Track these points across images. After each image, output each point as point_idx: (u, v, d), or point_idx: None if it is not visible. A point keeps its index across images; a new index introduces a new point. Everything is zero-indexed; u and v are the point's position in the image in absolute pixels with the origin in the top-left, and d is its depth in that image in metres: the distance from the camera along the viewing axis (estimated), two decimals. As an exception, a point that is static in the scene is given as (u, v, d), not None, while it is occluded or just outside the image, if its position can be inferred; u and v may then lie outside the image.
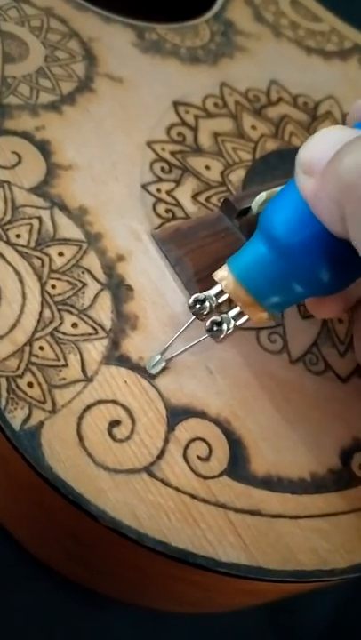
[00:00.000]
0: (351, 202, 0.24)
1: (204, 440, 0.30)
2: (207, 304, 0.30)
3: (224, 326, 0.29)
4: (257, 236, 0.29)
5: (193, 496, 0.29)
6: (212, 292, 0.30)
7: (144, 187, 0.37)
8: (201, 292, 0.33)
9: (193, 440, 0.30)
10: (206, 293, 0.30)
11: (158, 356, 0.31)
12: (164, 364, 0.31)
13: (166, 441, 0.30)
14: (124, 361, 0.31)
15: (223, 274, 0.29)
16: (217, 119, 0.41)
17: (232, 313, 0.30)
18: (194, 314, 0.31)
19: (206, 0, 0.48)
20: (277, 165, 0.41)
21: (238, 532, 0.29)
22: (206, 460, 0.30)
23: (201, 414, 0.31)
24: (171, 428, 0.30)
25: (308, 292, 0.28)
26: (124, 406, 0.30)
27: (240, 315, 0.30)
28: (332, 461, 0.32)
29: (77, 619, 0.41)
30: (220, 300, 0.30)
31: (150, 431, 0.30)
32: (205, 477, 0.30)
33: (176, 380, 0.31)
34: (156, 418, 0.30)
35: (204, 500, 0.29)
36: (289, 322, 0.35)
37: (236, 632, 0.44)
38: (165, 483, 0.29)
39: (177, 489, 0.29)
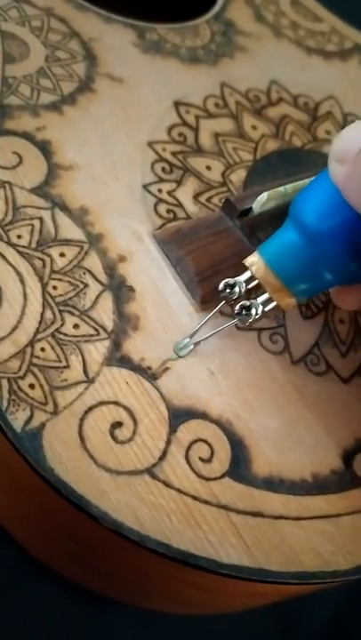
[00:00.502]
0: None
1: (205, 441, 0.30)
2: (237, 289, 0.31)
3: (253, 310, 0.30)
4: (288, 223, 0.29)
5: (195, 497, 0.29)
6: (242, 277, 0.31)
7: (145, 187, 0.37)
8: (202, 292, 0.34)
9: (195, 441, 0.30)
10: (237, 279, 0.31)
11: (187, 339, 0.32)
12: (192, 347, 0.32)
13: (168, 442, 0.30)
14: (125, 362, 0.31)
15: (254, 259, 0.30)
16: (218, 119, 0.41)
17: (261, 299, 0.30)
18: (223, 298, 0.31)
19: (207, 0, 0.48)
20: (278, 165, 0.41)
21: (240, 533, 0.29)
22: (208, 461, 0.30)
23: (203, 415, 0.31)
24: (173, 429, 0.30)
25: (336, 280, 0.29)
26: (125, 407, 0.30)
27: (269, 301, 0.30)
28: (334, 462, 0.32)
29: (78, 620, 0.41)
30: (250, 286, 0.31)
31: (152, 432, 0.30)
32: (207, 479, 0.30)
33: (178, 381, 0.31)
34: (158, 419, 0.30)
35: (205, 502, 0.29)
36: (290, 322, 0.35)
37: (238, 634, 0.44)
38: (167, 484, 0.29)
39: (179, 490, 0.29)
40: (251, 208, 0.35)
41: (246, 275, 0.31)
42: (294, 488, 0.31)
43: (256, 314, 0.30)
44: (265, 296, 0.30)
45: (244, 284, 0.31)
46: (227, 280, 0.31)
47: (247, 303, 0.30)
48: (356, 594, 0.47)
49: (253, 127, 0.42)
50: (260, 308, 0.30)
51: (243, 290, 0.31)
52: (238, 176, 0.39)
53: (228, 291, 0.31)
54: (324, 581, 0.29)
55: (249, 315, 0.30)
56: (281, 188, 0.36)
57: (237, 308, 0.30)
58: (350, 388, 0.34)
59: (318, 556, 0.29)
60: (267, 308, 0.30)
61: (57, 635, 0.40)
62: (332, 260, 0.28)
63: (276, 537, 0.29)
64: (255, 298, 0.30)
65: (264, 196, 0.35)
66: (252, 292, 0.31)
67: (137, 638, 0.41)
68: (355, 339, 0.36)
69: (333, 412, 0.33)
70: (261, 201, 0.35)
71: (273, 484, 0.30)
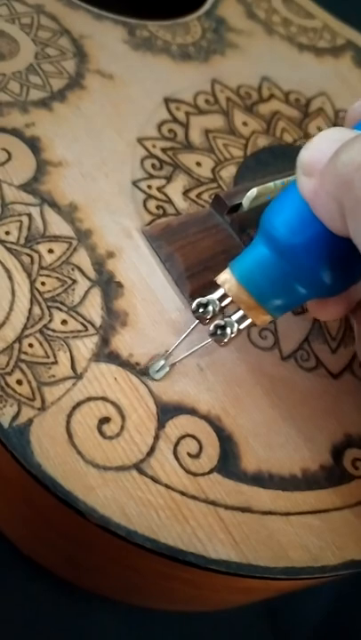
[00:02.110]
0: (349, 198, 0.24)
1: (194, 437, 0.30)
2: (210, 308, 0.30)
3: (228, 330, 0.29)
4: (258, 238, 0.29)
5: (183, 493, 0.29)
6: (215, 295, 0.30)
7: (135, 183, 0.37)
8: (192, 288, 0.33)
9: (183, 437, 0.30)
10: (209, 297, 0.30)
11: (162, 362, 0.31)
12: (167, 369, 0.31)
13: (156, 438, 0.30)
14: (113, 358, 0.31)
15: (226, 277, 0.29)
16: (208, 116, 0.41)
17: (235, 317, 0.29)
18: (197, 318, 0.30)
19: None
20: (269, 162, 0.41)
21: (228, 529, 0.29)
22: (197, 456, 0.30)
23: (191, 411, 0.31)
24: (161, 424, 0.30)
25: (310, 294, 0.28)
26: (113, 403, 0.30)
27: (243, 318, 0.29)
28: (323, 458, 0.32)
29: (69, 618, 0.41)
30: (224, 303, 0.30)
31: (140, 428, 0.30)
32: (196, 474, 0.30)
33: (167, 376, 0.31)
34: (147, 415, 0.30)
35: (193, 497, 0.29)
36: (280, 318, 0.35)
37: (231, 630, 0.44)
38: (155, 480, 0.29)
39: (167, 486, 0.29)
40: (240, 204, 0.35)
41: (219, 292, 0.30)
42: (283, 484, 0.31)
43: (232, 332, 0.29)
44: (240, 313, 0.29)
45: (217, 302, 0.30)
46: (199, 299, 0.30)
47: (222, 323, 0.29)
48: (349, 589, 0.47)
49: (244, 123, 0.42)
50: (236, 326, 0.29)
51: (217, 308, 0.30)
52: (229, 172, 0.39)
53: (201, 310, 0.30)
54: (313, 577, 0.29)
55: (224, 334, 0.29)
56: (271, 184, 0.36)
57: (212, 328, 0.29)
58: (340, 383, 0.34)
59: (307, 551, 0.29)
60: (242, 326, 0.29)
61: (48, 632, 0.40)
62: (306, 274, 0.27)
63: (264, 532, 0.29)
64: (230, 315, 0.29)
65: (254, 191, 0.35)
66: (226, 309, 0.30)
67: (128, 636, 0.41)
68: (345, 335, 0.36)
69: (323, 407, 0.33)
70: (251, 197, 0.35)
71: (262, 480, 0.30)
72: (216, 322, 0.29)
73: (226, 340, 0.29)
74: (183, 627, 0.42)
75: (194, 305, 0.30)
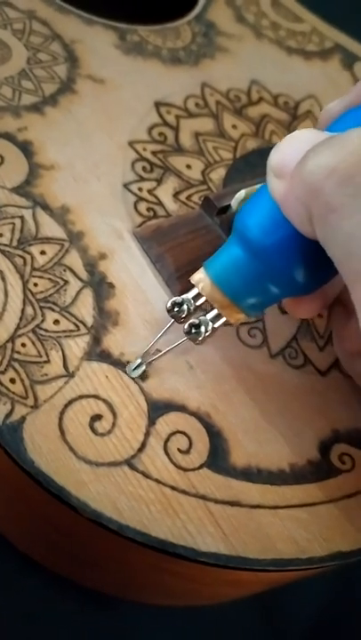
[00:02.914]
0: (316, 204, 0.24)
1: (184, 433, 0.31)
2: (185, 307, 0.31)
3: (202, 328, 0.30)
4: (232, 238, 0.29)
5: (173, 488, 0.30)
6: (190, 294, 0.31)
7: (126, 186, 0.37)
8: (182, 288, 0.34)
9: (174, 433, 0.31)
10: (184, 296, 0.31)
11: (138, 360, 0.32)
12: (144, 367, 0.32)
13: (147, 434, 0.30)
14: (105, 357, 0.32)
15: (200, 276, 0.30)
16: (198, 119, 0.42)
17: (210, 315, 0.30)
18: (172, 317, 0.31)
19: (188, 2, 0.49)
20: (258, 164, 0.41)
21: (218, 522, 0.29)
22: (187, 452, 0.31)
23: (182, 408, 0.32)
24: (152, 421, 0.31)
25: (283, 293, 0.29)
26: (105, 401, 0.31)
27: (218, 317, 0.30)
28: (311, 453, 0.33)
29: (64, 613, 0.41)
30: (198, 302, 0.31)
31: (131, 425, 0.30)
32: (186, 469, 0.30)
33: (157, 374, 0.32)
34: (137, 412, 0.31)
35: (184, 492, 0.30)
36: (269, 317, 0.36)
37: (228, 625, 0.45)
38: (146, 475, 0.29)
39: (157, 481, 0.29)
40: (229, 205, 0.36)
41: (194, 291, 0.30)
42: (272, 478, 0.31)
43: (206, 331, 0.30)
44: (214, 312, 0.30)
45: (192, 301, 0.30)
46: (174, 299, 0.31)
47: (196, 321, 0.30)
48: (342, 586, 0.48)
49: (234, 126, 0.43)
50: (210, 324, 0.30)
51: (192, 307, 0.31)
52: (218, 174, 0.40)
53: (176, 309, 0.31)
54: (300, 568, 0.30)
55: (198, 333, 0.30)
56: (258, 186, 0.36)
57: (186, 327, 0.30)
58: (328, 380, 0.35)
59: (294, 543, 0.30)
60: (216, 325, 0.30)
61: (43, 628, 0.41)
62: (278, 273, 0.28)
63: (253, 525, 0.30)
64: (205, 314, 0.30)
65: (242, 193, 0.36)
66: (202, 309, 0.31)
67: (124, 631, 0.42)
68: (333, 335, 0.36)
69: (311, 404, 0.34)
70: (239, 198, 0.36)
71: (251, 475, 0.31)
72: (190, 321, 0.30)
73: (200, 339, 0.30)
74: (177, 620, 0.43)
75: (169, 304, 0.31)
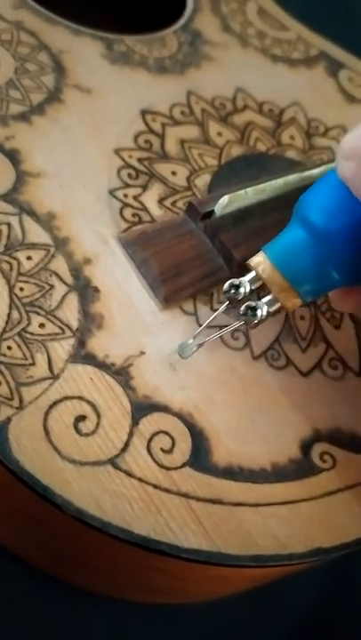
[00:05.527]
0: None
1: (167, 433, 0.32)
2: (242, 290, 0.30)
3: (258, 312, 0.30)
4: (294, 222, 0.30)
5: (156, 486, 0.30)
6: (247, 277, 0.30)
7: (111, 192, 0.38)
8: (166, 292, 0.35)
9: (156, 433, 0.32)
10: (242, 279, 0.30)
11: (190, 341, 0.33)
12: (195, 348, 0.33)
13: (130, 434, 0.31)
14: (89, 359, 0.32)
15: (259, 259, 0.30)
16: (184, 126, 0.43)
17: (265, 300, 0.30)
18: (228, 299, 0.31)
19: (174, 11, 0.49)
20: (242, 169, 0.42)
21: (200, 519, 0.30)
22: (169, 452, 0.31)
23: (165, 409, 0.32)
24: (135, 422, 0.32)
25: (343, 279, 0.29)
26: (89, 402, 0.31)
27: (273, 301, 0.30)
28: (292, 451, 0.33)
29: (52, 612, 0.42)
30: (254, 286, 0.30)
31: (115, 425, 0.31)
32: (168, 468, 0.31)
33: (141, 375, 0.33)
34: (121, 413, 0.32)
35: (166, 490, 0.30)
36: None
37: (221, 621, 0.45)
38: (129, 474, 0.30)
39: (140, 479, 0.30)
40: (213, 211, 0.37)
41: (251, 275, 0.30)
42: (253, 476, 0.32)
43: (262, 315, 0.30)
44: (269, 297, 0.30)
45: (248, 285, 0.30)
46: (232, 280, 0.30)
47: (253, 304, 0.30)
48: (334, 581, 0.48)
49: (219, 134, 0.43)
50: (265, 308, 0.30)
51: (247, 290, 0.30)
52: (203, 180, 0.41)
53: (232, 291, 0.30)
54: (281, 564, 0.30)
55: (255, 315, 0.30)
56: (242, 192, 0.37)
57: (243, 308, 0.30)
58: (309, 381, 0.36)
59: (275, 540, 0.31)
60: (272, 309, 0.30)
61: (31, 627, 0.41)
62: (341, 258, 0.28)
63: (234, 523, 0.31)
64: (259, 299, 0.30)
65: (225, 199, 0.37)
66: (255, 294, 0.31)
67: (111, 629, 0.42)
68: (315, 335, 0.37)
69: (292, 404, 0.35)
70: (223, 204, 0.37)
71: (233, 473, 0.32)
72: (247, 302, 0.30)
73: (256, 321, 0.30)
74: (165, 618, 0.43)
75: (226, 285, 0.31)
